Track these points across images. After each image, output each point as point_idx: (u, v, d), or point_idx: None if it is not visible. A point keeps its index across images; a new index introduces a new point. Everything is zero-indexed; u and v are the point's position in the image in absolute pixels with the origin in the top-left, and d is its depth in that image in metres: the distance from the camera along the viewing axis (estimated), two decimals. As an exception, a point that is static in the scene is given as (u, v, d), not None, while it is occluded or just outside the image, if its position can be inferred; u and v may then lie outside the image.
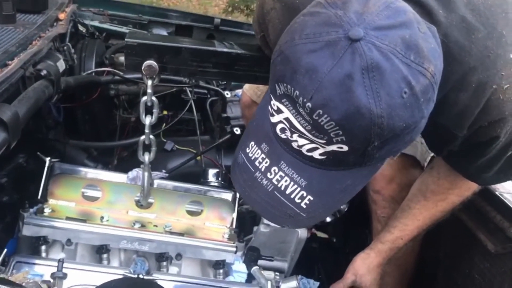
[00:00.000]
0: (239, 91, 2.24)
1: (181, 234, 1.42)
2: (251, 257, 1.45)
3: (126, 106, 2.36)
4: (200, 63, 1.26)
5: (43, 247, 1.34)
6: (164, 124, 2.27)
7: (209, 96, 2.40)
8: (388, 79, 0.75)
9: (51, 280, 1.10)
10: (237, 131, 2.15)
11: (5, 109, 1.05)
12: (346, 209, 2.19)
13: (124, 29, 2.49)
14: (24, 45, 1.40)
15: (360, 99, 0.74)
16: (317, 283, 1.45)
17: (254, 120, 0.96)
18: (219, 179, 1.85)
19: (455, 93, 0.98)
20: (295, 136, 0.83)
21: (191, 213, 1.50)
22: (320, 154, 0.83)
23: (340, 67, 0.75)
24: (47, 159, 1.46)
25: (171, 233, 1.41)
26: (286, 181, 0.87)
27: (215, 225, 1.50)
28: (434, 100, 0.82)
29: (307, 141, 0.82)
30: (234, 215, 1.52)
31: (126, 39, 1.24)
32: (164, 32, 2.62)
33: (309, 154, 0.84)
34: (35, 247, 1.35)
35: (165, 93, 2.30)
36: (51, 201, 1.42)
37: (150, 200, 1.46)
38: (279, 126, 0.85)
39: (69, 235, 1.34)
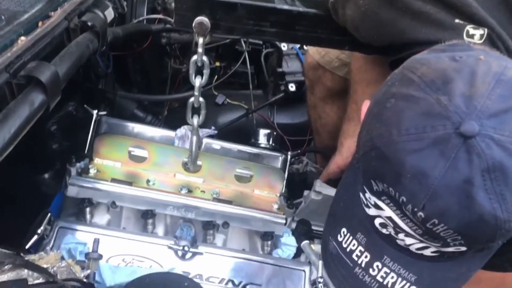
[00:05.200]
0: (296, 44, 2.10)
1: (229, 201, 1.34)
2: (301, 230, 1.37)
3: (178, 54, 2.27)
4: (257, 22, 1.14)
5: (88, 209, 1.30)
6: (216, 77, 2.17)
7: (264, 48, 2.26)
8: None
9: (86, 261, 1.05)
10: (292, 87, 2.03)
11: (44, 68, 0.97)
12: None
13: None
14: (69, -7, 1.30)
15: (483, 206, 0.64)
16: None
17: (340, 201, 0.84)
18: (270, 141, 1.75)
19: None
20: (401, 236, 0.73)
21: (239, 178, 1.41)
22: (433, 252, 0.73)
23: (455, 170, 0.63)
24: (94, 112, 1.39)
25: (219, 200, 1.34)
26: (392, 277, 0.77)
27: (264, 194, 1.41)
28: None
29: (416, 241, 0.72)
30: (285, 182, 1.42)
31: (176, -8, 1.13)
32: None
33: (419, 252, 0.74)
34: (80, 208, 1.31)
35: (218, 44, 2.18)
36: (97, 160, 1.36)
37: (198, 163, 1.38)
38: (379, 220, 0.75)
39: (114, 198, 1.29)
